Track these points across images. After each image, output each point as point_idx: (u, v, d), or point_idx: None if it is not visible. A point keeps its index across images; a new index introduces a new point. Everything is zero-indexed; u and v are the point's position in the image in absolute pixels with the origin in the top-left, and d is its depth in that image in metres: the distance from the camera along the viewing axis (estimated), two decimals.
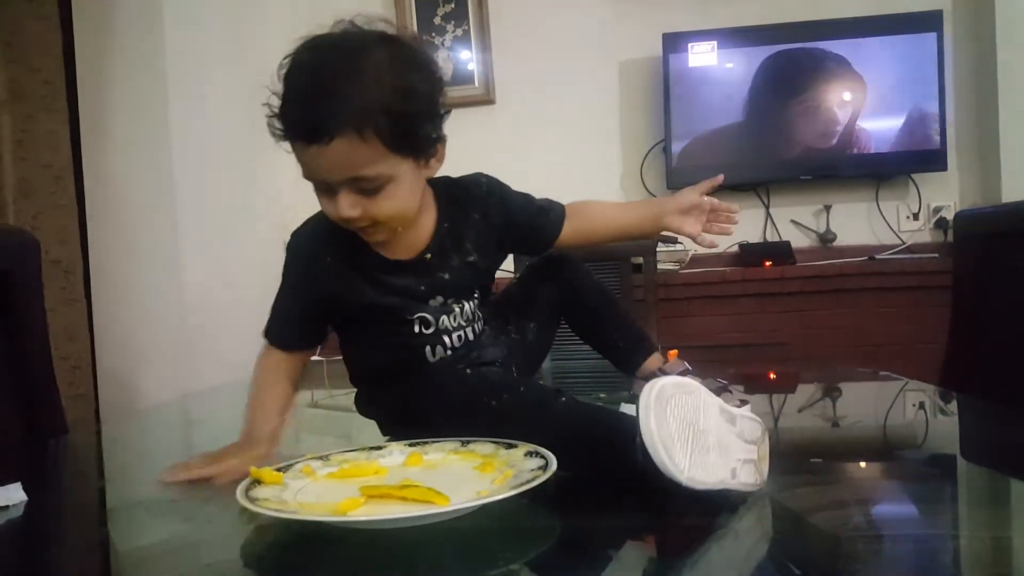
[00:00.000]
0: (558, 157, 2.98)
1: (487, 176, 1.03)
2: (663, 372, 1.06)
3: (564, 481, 0.69)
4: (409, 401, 0.93)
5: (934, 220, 2.89)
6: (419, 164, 0.89)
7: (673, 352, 1.14)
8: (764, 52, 2.85)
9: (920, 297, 2.64)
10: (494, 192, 1.02)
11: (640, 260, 2.08)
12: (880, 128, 2.80)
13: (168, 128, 2.33)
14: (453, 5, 3.05)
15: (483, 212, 1.00)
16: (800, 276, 2.71)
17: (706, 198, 1.07)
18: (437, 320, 0.96)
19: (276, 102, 0.85)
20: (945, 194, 2.89)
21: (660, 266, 2.57)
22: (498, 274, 1.09)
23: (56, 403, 1.22)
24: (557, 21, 3.03)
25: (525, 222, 1.04)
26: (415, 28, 3.05)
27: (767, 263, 2.76)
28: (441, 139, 0.91)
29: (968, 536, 0.65)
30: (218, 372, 2.37)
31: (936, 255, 2.76)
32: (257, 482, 0.72)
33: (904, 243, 2.86)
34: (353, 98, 0.81)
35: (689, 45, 2.86)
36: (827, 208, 2.90)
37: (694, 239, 1.07)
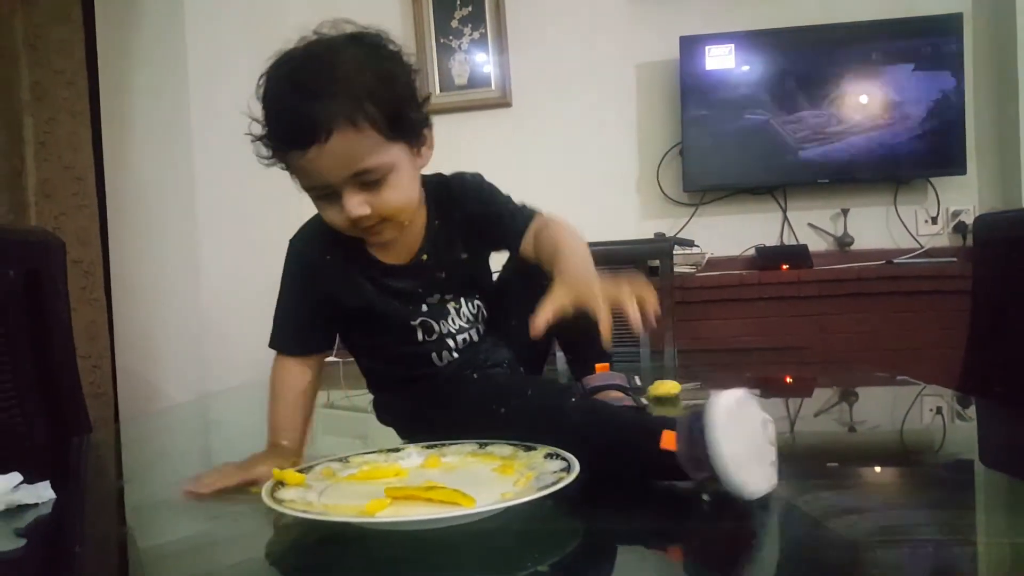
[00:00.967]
0: (574, 160, 2.99)
1: (471, 174, 1.02)
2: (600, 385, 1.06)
3: (584, 482, 0.69)
4: (421, 408, 0.94)
5: (953, 224, 2.87)
6: (413, 151, 0.90)
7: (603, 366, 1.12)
8: (782, 55, 2.84)
9: (938, 301, 2.63)
10: (470, 189, 1.00)
11: (656, 263, 2.08)
12: (898, 131, 2.79)
13: (189, 129, 2.36)
14: (470, 8, 3.06)
15: (463, 210, 0.99)
16: (817, 280, 2.70)
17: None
18: (439, 324, 0.97)
19: (257, 128, 0.86)
20: (964, 198, 2.87)
21: (677, 269, 2.57)
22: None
23: (80, 401, 1.24)
24: (574, 23, 3.03)
25: (495, 223, 0.99)
26: (432, 31, 3.07)
27: (784, 267, 2.75)
28: (428, 123, 0.92)
29: (986, 542, 0.65)
30: (235, 372, 2.39)
31: (955, 259, 2.74)
32: (281, 484, 0.73)
33: (922, 247, 2.84)
34: (340, 92, 0.82)
35: (706, 48, 2.85)
36: (844, 212, 2.89)
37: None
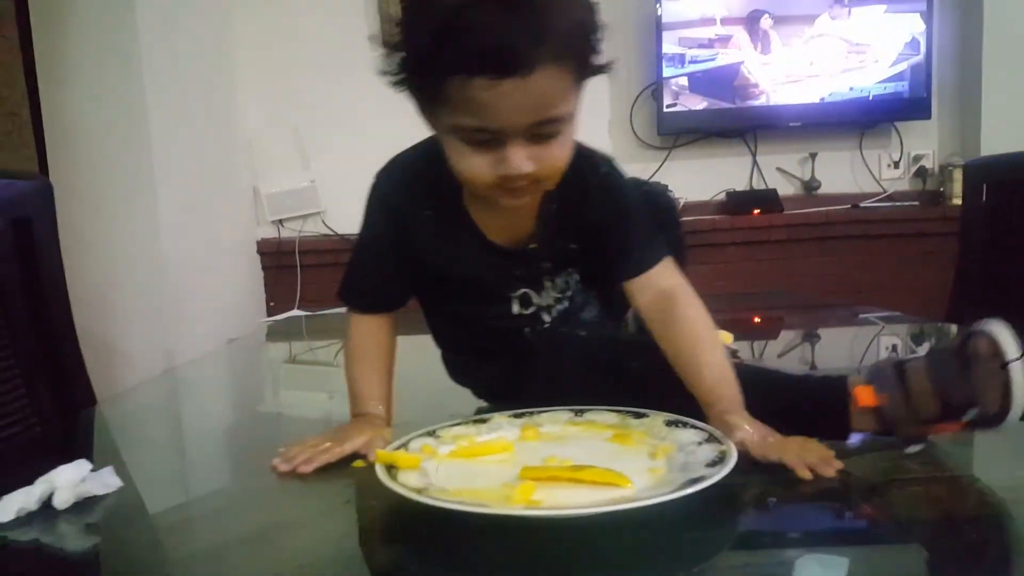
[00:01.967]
0: None
1: (614, 168, 0.88)
2: None
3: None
4: (512, 371, 0.87)
5: (914, 169, 2.92)
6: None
7: None
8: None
9: (901, 244, 2.71)
10: (611, 192, 0.86)
11: None
12: (869, 74, 2.79)
13: (140, 68, 2.15)
14: None
15: (593, 212, 0.85)
16: (787, 224, 2.73)
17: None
18: (538, 296, 0.90)
19: (395, 33, 0.70)
20: (925, 143, 2.92)
21: None
22: None
23: (81, 368, 1.12)
24: None
25: (615, 245, 0.86)
26: None
27: (756, 211, 2.76)
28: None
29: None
30: (203, 327, 2.26)
31: (916, 203, 2.81)
32: (392, 467, 0.65)
33: (885, 191, 2.89)
34: (555, 18, 0.67)
35: None
36: (813, 156, 2.90)
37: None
